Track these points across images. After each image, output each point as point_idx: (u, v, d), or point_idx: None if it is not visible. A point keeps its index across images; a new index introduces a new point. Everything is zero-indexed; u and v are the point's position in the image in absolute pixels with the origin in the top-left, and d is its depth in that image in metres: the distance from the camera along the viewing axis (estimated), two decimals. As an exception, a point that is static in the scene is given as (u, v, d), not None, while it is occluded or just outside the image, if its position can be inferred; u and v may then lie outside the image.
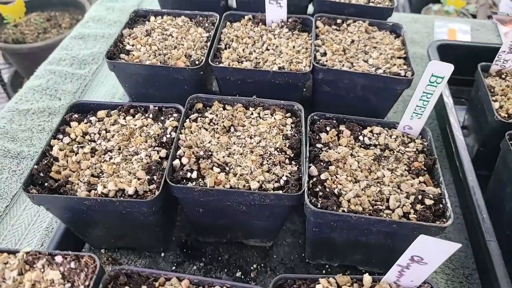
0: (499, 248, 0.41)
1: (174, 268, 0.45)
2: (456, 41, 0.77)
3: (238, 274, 0.45)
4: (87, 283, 0.31)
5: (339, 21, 0.58)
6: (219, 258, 0.46)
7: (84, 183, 0.38)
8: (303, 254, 0.46)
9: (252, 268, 0.45)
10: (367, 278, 0.32)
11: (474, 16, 1.45)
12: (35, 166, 0.38)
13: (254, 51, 0.53)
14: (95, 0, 1.89)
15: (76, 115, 0.44)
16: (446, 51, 0.66)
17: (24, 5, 1.63)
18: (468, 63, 0.58)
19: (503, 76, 0.55)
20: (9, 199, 0.54)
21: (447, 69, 0.38)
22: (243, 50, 0.53)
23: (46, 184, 0.38)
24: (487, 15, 1.42)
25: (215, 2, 0.66)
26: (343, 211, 0.36)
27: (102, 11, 0.98)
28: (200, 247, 0.47)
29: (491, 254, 0.41)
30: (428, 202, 0.37)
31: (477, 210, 0.44)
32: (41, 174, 0.38)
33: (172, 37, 0.55)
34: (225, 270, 0.45)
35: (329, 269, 0.45)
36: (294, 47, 0.53)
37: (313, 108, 0.53)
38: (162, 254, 0.46)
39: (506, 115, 0.49)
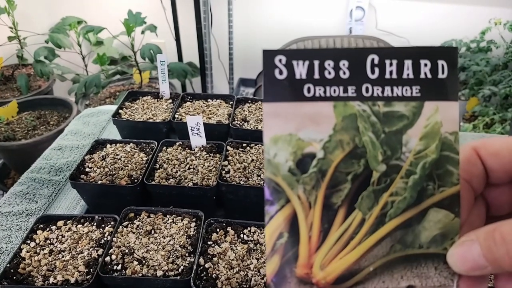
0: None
1: None
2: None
3: None
4: None
5: (244, 144, 0.80)
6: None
7: (41, 276, 0.55)
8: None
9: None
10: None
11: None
12: (8, 265, 0.55)
13: (179, 170, 0.74)
14: (81, 99, 2.15)
15: (41, 225, 0.62)
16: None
17: (17, 105, 1.80)
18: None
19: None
20: (-14, 289, 0.69)
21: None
22: (171, 169, 0.74)
23: (14, 277, 0.54)
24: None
25: (160, 129, 0.88)
26: (216, 290, 0.53)
27: (79, 125, 1.20)
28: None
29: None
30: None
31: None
32: (12, 271, 0.55)
33: (121, 160, 0.76)
34: None
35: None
36: (208, 166, 0.75)
37: (221, 211, 0.73)
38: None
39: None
